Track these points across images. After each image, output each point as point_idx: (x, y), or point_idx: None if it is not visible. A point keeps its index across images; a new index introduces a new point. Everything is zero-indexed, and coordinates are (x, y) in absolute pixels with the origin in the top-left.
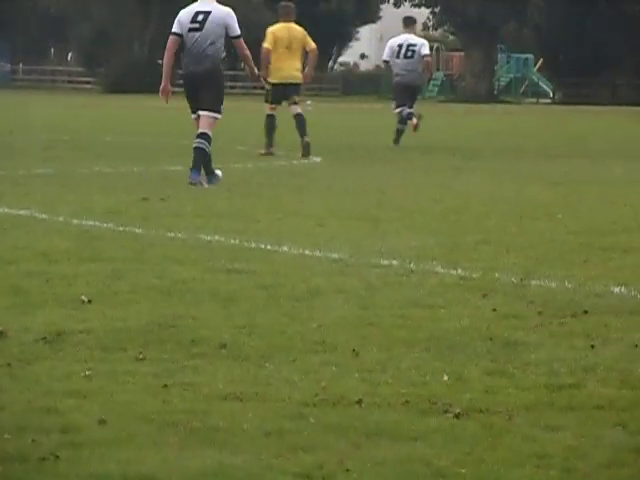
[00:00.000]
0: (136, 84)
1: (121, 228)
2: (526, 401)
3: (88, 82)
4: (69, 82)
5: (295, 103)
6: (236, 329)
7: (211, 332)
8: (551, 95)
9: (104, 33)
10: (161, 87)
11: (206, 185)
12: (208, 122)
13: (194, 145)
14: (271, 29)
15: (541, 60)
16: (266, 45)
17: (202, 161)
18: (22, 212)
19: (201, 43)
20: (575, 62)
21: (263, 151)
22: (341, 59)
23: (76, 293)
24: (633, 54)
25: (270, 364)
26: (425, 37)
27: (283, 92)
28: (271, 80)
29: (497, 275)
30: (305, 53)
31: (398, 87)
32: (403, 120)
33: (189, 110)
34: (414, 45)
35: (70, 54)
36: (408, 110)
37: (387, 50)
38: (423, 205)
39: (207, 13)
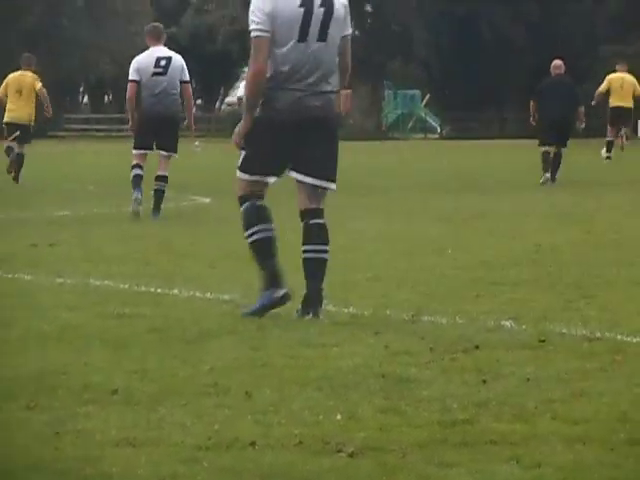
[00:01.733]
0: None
1: (10, 275)
2: (420, 438)
3: None
4: None
5: (21, 142)
6: (128, 374)
7: (103, 378)
8: (439, 130)
9: None
10: (130, 126)
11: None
12: (168, 163)
13: (156, 187)
14: (7, 78)
15: (428, 96)
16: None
17: (161, 202)
18: None
19: (167, 87)
20: (462, 97)
21: None
22: (228, 99)
23: None
24: (519, 88)
25: (163, 408)
26: None
27: (15, 131)
28: (5, 120)
29: (388, 312)
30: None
31: None
32: None
33: (134, 146)
34: None
35: None
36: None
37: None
38: None
39: (169, 58)
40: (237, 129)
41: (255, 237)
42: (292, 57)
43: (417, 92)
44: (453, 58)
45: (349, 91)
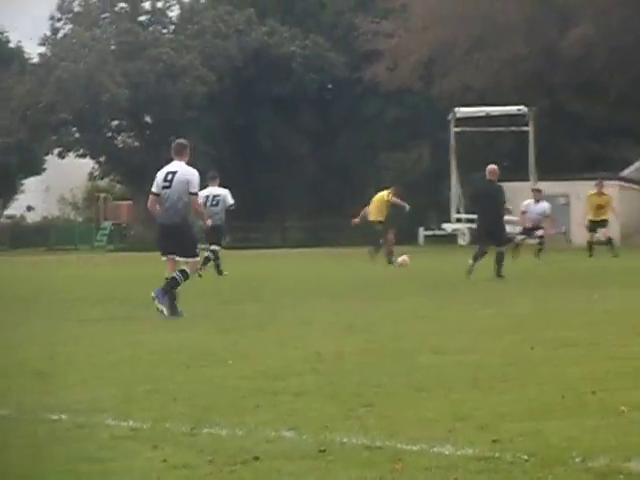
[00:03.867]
0: None
1: None
2: None
3: None
4: None
5: None
6: None
7: None
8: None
9: None
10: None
11: (165, 313)
12: (191, 266)
13: (171, 275)
14: None
15: None
16: None
17: (171, 288)
18: None
19: (171, 199)
20: (243, 206)
21: None
22: (7, 212)
23: None
24: (300, 197)
25: None
26: (92, 187)
27: None
28: None
29: (168, 425)
30: None
31: (207, 230)
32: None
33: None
34: (218, 195)
35: None
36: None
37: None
38: (95, 357)
39: (174, 173)
40: None
41: None
42: None
43: None
44: (233, 168)
45: (130, 202)
